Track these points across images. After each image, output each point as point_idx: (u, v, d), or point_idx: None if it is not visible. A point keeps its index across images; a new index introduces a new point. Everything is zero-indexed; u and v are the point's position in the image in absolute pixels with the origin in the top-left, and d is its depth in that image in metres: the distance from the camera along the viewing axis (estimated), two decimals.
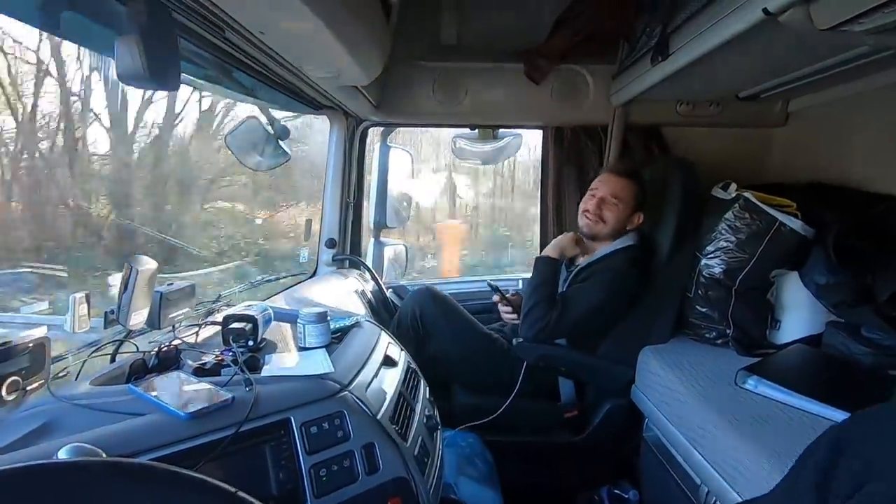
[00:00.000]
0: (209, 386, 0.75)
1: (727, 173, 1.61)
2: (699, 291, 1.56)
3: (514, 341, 1.67)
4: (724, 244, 1.50)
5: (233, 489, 0.41)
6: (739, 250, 1.47)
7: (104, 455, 0.55)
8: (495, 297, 1.78)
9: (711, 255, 1.53)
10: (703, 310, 1.55)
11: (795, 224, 1.41)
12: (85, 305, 0.97)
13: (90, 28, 1.02)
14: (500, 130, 2.18)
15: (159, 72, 0.80)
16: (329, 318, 1.07)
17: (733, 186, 1.54)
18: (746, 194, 1.48)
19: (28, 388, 0.78)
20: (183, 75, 1.48)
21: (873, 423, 0.42)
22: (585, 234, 1.72)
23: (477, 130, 2.18)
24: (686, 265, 1.60)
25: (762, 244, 1.44)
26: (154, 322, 1.04)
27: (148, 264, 1.00)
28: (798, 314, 1.48)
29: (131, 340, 1.00)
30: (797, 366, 1.35)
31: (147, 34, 0.76)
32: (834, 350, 1.34)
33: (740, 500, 0.99)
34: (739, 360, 1.39)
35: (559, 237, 1.77)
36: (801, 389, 1.15)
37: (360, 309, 1.83)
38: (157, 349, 0.91)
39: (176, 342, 0.97)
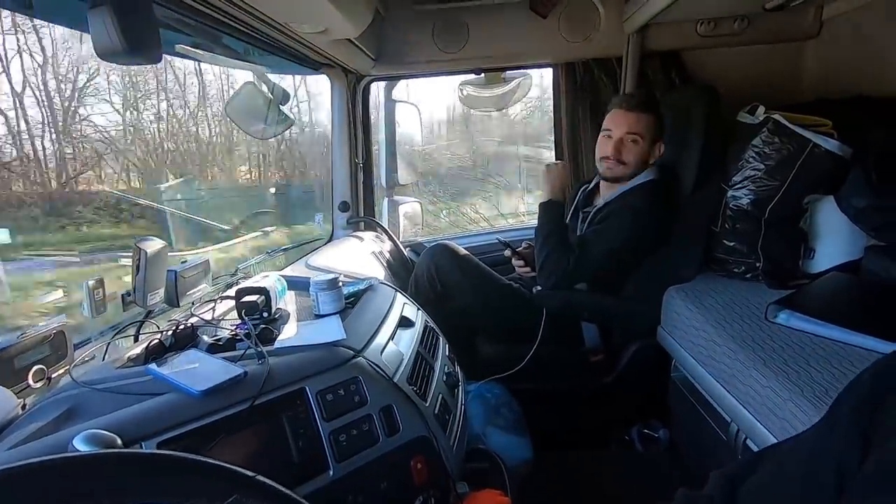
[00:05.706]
0: (222, 361, 0.75)
1: (756, 97, 1.48)
2: (726, 225, 1.48)
3: (534, 290, 1.64)
4: (752, 173, 1.40)
5: (251, 473, 0.40)
6: (769, 178, 1.38)
7: (119, 441, 0.56)
8: (507, 253, 1.74)
9: (738, 186, 1.44)
10: (731, 244, 1.48)
11: (831, 144, 1.30)
12: (101, 290, 0.98)
13: (62, 3, 0.98)
14: (508, 72, 2.07)
15: (137, 44, 0.75)
16: (341, 283, 1.06)
17: (761, 109, 1.42)
18: (776, 116, 1.37)
19: (53, 375, 0.81)
20: (173, 46, 1.45)
21: None
22: (608, 178, 1.60)
23: (483, 75, 2.07)
24: (712, 199, 1.51)
25: (793, 169, 1.34)
26: (172, 300, 1.06)
27: (155, 244, 1.00)
28: (834, 241, 1.39)
29: (152, 320, 1.02)
30: (833, 295, 1.28)
31: (118, 4, 0.71)
32: (874, 276, 1.26)
33: (771, 436, 0.97)
34: (770, 294, 1.33)
35: (550, 173, 1.63)
36: (838, 320, 1.09)
37: (378, 270, 1.82)
38: (173, 328, 0.93)
39: (193, 319, 0.98)
